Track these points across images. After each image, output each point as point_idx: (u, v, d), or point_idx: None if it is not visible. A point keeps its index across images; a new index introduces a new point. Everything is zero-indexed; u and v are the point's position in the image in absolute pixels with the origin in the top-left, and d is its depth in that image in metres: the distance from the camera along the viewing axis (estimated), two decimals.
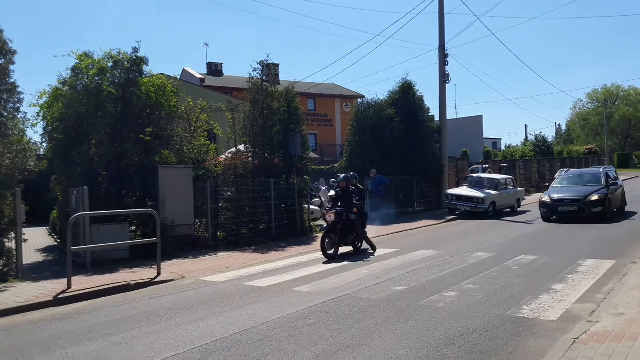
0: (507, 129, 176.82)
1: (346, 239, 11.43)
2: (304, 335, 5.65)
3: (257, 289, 8.30)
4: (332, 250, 10.97)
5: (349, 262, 10.47)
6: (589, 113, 76.32)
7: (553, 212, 16.46)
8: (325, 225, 11.28)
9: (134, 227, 13.01)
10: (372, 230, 15.81)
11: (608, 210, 16.06)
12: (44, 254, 14.14)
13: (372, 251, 11.64)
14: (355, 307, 6.83)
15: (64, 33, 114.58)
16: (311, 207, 17.29)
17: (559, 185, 17.91)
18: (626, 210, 18.40)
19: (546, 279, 8.12)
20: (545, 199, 16.88)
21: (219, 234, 13.94)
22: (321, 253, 10.88)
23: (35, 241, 16.73)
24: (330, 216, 11.14)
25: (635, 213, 17.62)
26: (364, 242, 11.92)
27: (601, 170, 18.11)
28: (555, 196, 16.63)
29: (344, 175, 12.30)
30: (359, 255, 11.37)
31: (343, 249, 11.50)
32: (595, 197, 15.97)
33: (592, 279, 8.12)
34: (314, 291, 7.87)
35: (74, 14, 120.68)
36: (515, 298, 6.99)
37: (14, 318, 7.10)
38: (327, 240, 10.86)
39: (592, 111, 75.60)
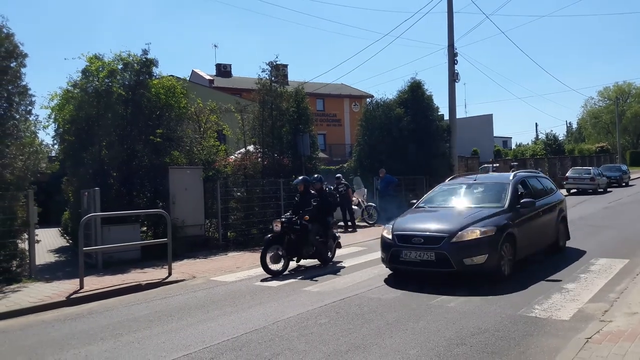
0: (518, 127, 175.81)
1: (301, 252, 9.91)
2: (314, 335, 5.66)
3: (267, 288, 8.32)
4: (278, 264, 9.36)
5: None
6: (601, 111, 75.61)
7: (395, 260, 8.29)
8: (268, 236, 9.65)
9: (145, 228, 13.10)
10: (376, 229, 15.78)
11: (506, 259, 8.03)
12: (56, 255, 14.27)
13: (342, 264, 10.18)
14: (366, 306, 6.82)
15: (72, 35, 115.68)
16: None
17: (425, 206, 9.67)
18: (570, 246, 10.83)
19: (558, 278, 8.05)
20: (386, 233, 8.70)
21: (229, 234, 13.99)
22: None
23: (48, 242, 16.89)
24: (276, 225, 9.61)
25: (583, 253, 10.14)
26: (334, 253, 10.59)
27: (510, 178, 9.67)
28: (404, 228, 8.42)
29: (302, 177, 10.84)
30: (320, 269, 9.77)
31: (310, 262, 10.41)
32: (473, 234, 7.82)
33: (605, 278, 8.04)
34: (324, 291, 7.87)
35: (83, 16, 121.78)
36: (527, 297, 6.94)
37: (28, 318, 7.17)
38: (269, 254, 9.29)
39: (604, 109, 74.90)
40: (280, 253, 9.44)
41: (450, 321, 5.98)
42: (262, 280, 8.94)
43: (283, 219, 9.81)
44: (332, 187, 18.86)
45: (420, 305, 6.78)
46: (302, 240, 9.79)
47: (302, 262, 10.31)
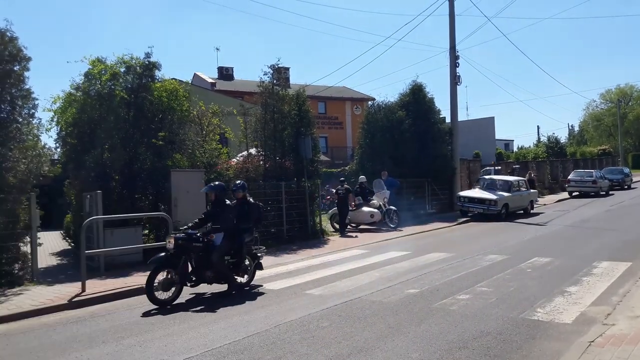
0: (519, 130, 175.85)
1: (203, 276, 8.12)
2: (316, 338, 5.66)
3: (269, 291, 8.31)
4: (169, 292, 7.68)
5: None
6: (603, 114, 75.50)
7: None
8: (155, 257, 7.85)
9: (147, 231, 13.09)
10: (383, 233, 15.81)
11: None
12: (59, 258, 14.28)
13: (261, 289, 8.54)
14: (368, 310, 6.81)
15: (74, 38, 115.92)
16: (368, 208, 16.85)
17: None
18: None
19: (560, 282, 8.05)
20: None
21: None
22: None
23: (50, 245, 16.90)
24: (169, 242, 7.85)
25: None
26: (252, 276, 8.96)
27: None
28: None
29: (216, 183, 9.03)
30: (227, 299, 7.90)
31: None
32: None
33: (608, 281, 8.03)
34: (326, 294, 7.87)
35: (85, 20, 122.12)
36: (529, 301, 6.94)
37: (30, 321, 7.18)
38: (159, 278, 7.58)
39: (606, 112, 74.79)
40: (172, 277, 7.75)
41: (452, 324, 5.98)
42: (264, 283, 8.95)
43: (178, 235, 8.05)
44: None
45: (422, 308, 6.77)
46: (203, 262, 8.10)
47: (211, 287, 8.53)
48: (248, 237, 8.81)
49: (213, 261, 8.04)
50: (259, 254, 9.14)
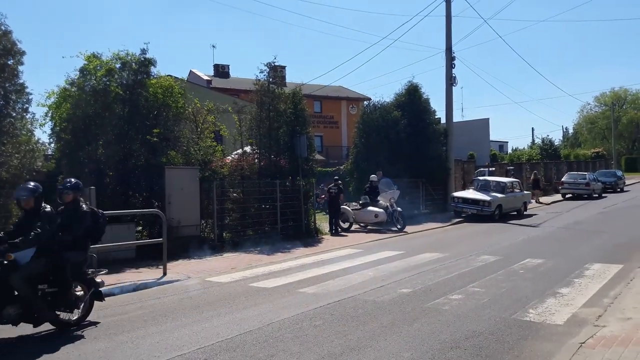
0: (514, 132, 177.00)
1: (4, 313, 5.68)
2: (309, 337, 5.66)
3: (262, 289, 8.31)
4: None
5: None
6: (597, 116, 75.98)
7: None
8: None
9: (140, 228, 13.04)
10: (378, 233, 15.81)
11: None
12: None
13: (86, 332, 6.10)
14: (361, 309, 6.82)
15: (71, 34, 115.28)
16: (374, 208, 16.69)
17: None
18: None
19: (552, 283, 8.09)
20: None
21: (224, 234, 13.96)
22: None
23: None
24: None
25: None
26: (87, 310, 6.47)
27: None
28: None
29: (33, 184, 6.25)
30: (43, 344, 5.73)
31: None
32: None
33: (599, 283, 8.08)
34: (319, 293, 7.87)
35: (81, 15, 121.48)
36: (522, 301, 6.97)
37: None
38: None
39: (600, 114, 75.26)
40: None
41: (445, 324, 6.00)
42: (258, 282, 8.94)
43: None
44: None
45: (415, 308, 6.79)
46: (2, 293, 5.67)
47: (16, 329, 5.98)
48: (79, 257, 6.43)
49: (20, 290, 5.67)
50: (97, 280, 6.72)
